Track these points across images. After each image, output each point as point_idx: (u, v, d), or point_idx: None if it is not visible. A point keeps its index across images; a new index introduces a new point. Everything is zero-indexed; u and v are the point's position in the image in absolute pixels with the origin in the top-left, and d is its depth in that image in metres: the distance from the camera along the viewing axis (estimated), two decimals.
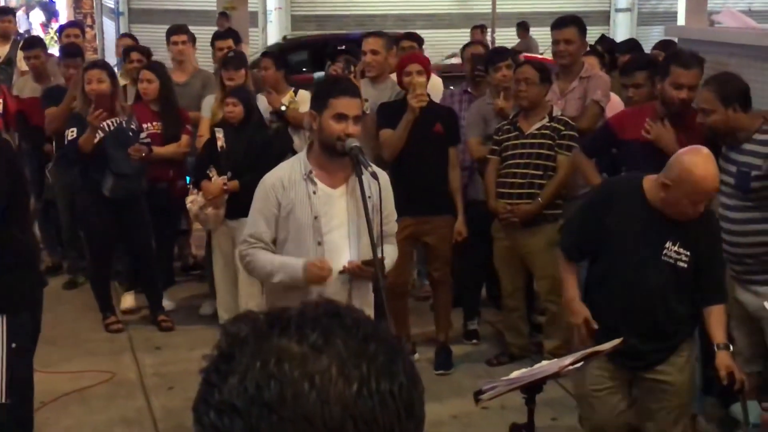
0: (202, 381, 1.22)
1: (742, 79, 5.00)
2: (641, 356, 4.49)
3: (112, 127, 6.87)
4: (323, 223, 4.25)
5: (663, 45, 8.09)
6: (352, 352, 1.17)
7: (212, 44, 8.74)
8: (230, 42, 8.63)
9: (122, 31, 19.36)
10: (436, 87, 7.23)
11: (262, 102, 7.42)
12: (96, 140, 6.78)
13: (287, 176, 4.31)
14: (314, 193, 4.26)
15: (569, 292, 4.57)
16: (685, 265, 4.31)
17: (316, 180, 4.27)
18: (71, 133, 6.85)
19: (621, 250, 4.37)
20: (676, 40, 6.75)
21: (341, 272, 4.27)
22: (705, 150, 4.25)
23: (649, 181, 4.29)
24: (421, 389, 1.24)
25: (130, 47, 8.80)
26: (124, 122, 6.90)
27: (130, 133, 6.96)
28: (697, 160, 4.12)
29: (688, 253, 4.30)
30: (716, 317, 4.38)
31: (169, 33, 8.62)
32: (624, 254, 4.36)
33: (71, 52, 8.28)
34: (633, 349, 4.37)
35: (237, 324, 1.23)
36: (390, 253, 4.42)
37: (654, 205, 4.27)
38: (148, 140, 7.08)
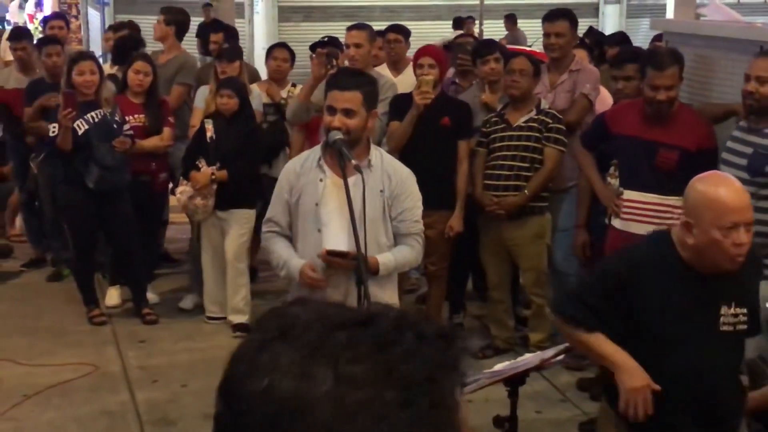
0: (245, 364, 1.19)
1: None
2: None
3: (96, 119, 6.87)
4: (323, 212, 4.28)
5: (659, 39, 8.04)
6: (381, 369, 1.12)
7: (198, 35, 8.74)
8: (221, 36, 8.64)
9: (108, 21, 19.31)
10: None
11: (255, 94, 7.44)
12: (80, 133, 6.79)
13: (303, 162, 4.41)
14: (321, 180, 4.31)
15: (607, 349, 3.53)
16: (745, 326, 3.56)
17: (325, 168, 4.32)
18: (53, 129, 6.85)
19: (668, 336, 3.48)
20: (662, 32, 6.77)
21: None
22: (715, 172, 3.84)
23: (676, 233, 3.49)
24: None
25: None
26: (108, 114, 6.90)
27: (114, 125, 6.96)
28: (709, 179, 3.49)
29: (745, 309, 3.53)
30: None
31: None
32: (673, 340, 3.48)
33: (52, 38, 8.34)
34: None
35: (290, 308, 1.21)
36: (402, 254, 4.39)
37: (691, 262, 3.43)
38: (131, 132, 7.08)
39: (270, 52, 7.97)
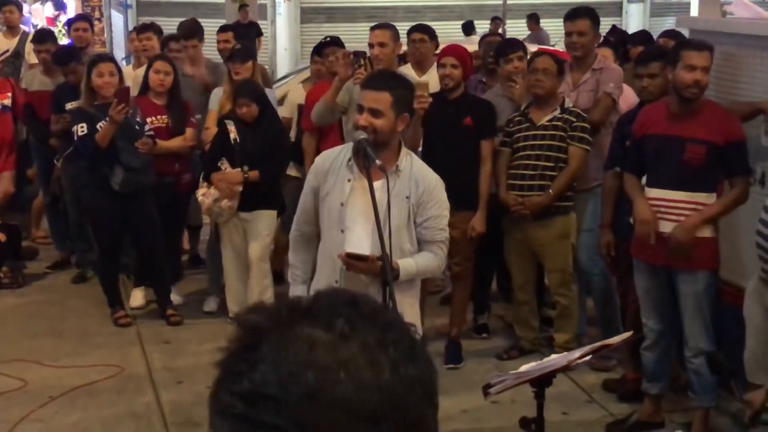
0: (223, 371, 1.20)
1: None
2: None
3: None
4: (348, 213, 4.25)
5: (670, 34, 7.99)
6: (376, 339, 1.18)
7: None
8: (229, 35, 8.65)
9: (131, 23, 19.40)
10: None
11: (272, 95, 7.44)
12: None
13: (334, 159, 4.36)
14: (348, 181, 4.27)
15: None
16: None
17: (354, 169, 4.26)
18: (81, 129, 6.87)
19: None
20: (687, 31, 6.71)
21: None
22: None
23: None
24: (437, 377, 1.25)
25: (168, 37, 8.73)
26: (130, 115, 6.91)
27: (137, 127, 6.98)
28: None
29: None
30: None
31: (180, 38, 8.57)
32: None
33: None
34: None
35: (254, 314, 1.22)
36: (424, 261, 4.34)
37: None
38: (152, 133, 7.09)
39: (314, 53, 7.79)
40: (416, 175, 4.28)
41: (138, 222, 7.12)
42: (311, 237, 4.54)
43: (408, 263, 4.26)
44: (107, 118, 6.75)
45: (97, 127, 6.82)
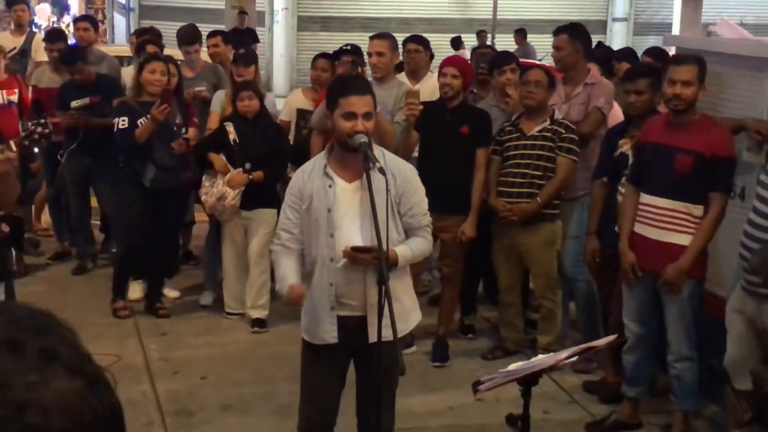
0: None
1: None
2: None
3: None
4: (336, 216, 4.25)
5: (652, 52, 8.08)
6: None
7: (228, 42, 8.80)
8: (218, 40, 8.67)
9: (133, 26, 19.38)
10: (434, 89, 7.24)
11: (271, 98, 7.44)
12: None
13: (310, 170, 4.35)
14: (330, 186, 4.26)
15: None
16: None
17: (332, 174, 4.27)
18: (122, 122, 6.86)
19: None
20: (673, 49, 6.75)
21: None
22: None
23: None
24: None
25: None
26: (169, 116, 6.90)
27: (174, 128, 6.98)
28: None
29: None
30: None
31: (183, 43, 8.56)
32: None
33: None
34: None
35: None
36: (416, 245, 4.37)
37: None
38: (188, 136, 7.09)
39: (314, 61, 7.74)
40: (392, 168, 4.26)
41: (163, 219, 7.13)
42: (292, 250, 4.43)
43: (404, 249, 4.29)
44: (148, 116, 6.75)
45: (138, 123, 6.82)
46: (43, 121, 4.48)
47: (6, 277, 5.72)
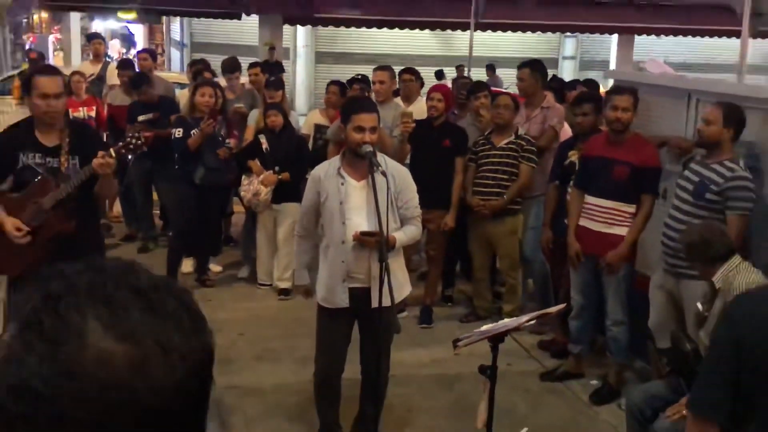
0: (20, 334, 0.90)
1: (744, 112, 4.58)
2: None
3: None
4: (347, 208, 4.26)
5: (586, 83, 8.25)
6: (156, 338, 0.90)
7: (264, 71, 8.79)
8: (257, 70, 8.62)
9: (186, 59, 19.32)
10: (423, 110, 7.24)
11: (294, 116, 7.45)
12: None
13: (325, 171, 4.35)
14: (342, 184, 4.27)
15: None
16: None
17: (344, 175, 4.28)
18: (178, 132, 6.87)
19: None
20: (611, 81, 6.75)
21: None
22: None
23: None
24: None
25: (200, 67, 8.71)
26: (216, 129, 6.90)
27: (220, 138, 6.99)
28: None
29: None
30: None
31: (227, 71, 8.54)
32: None
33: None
34: None
35: (53, 281, 0.92)
36: (409, 231, 4.38)
37: None
38: (231, 145, 7.08)
39: (327, 87, 7.70)
40: (392, 171, 4.27)
41: (209, 210, 7.12)
42: (311, 235, 4.47)
43: (400, 235, 4.32)
44: (199, 128, 6.76)
45: (191, 133, 6.83)
46: (137, 134, 4.47)
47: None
